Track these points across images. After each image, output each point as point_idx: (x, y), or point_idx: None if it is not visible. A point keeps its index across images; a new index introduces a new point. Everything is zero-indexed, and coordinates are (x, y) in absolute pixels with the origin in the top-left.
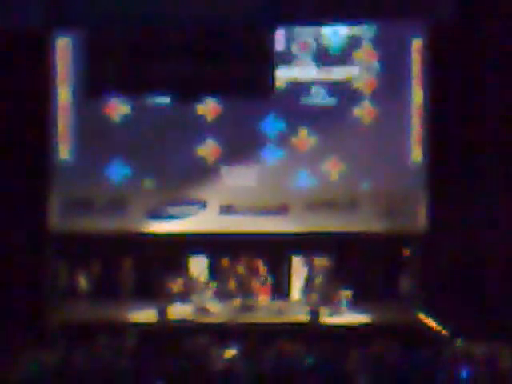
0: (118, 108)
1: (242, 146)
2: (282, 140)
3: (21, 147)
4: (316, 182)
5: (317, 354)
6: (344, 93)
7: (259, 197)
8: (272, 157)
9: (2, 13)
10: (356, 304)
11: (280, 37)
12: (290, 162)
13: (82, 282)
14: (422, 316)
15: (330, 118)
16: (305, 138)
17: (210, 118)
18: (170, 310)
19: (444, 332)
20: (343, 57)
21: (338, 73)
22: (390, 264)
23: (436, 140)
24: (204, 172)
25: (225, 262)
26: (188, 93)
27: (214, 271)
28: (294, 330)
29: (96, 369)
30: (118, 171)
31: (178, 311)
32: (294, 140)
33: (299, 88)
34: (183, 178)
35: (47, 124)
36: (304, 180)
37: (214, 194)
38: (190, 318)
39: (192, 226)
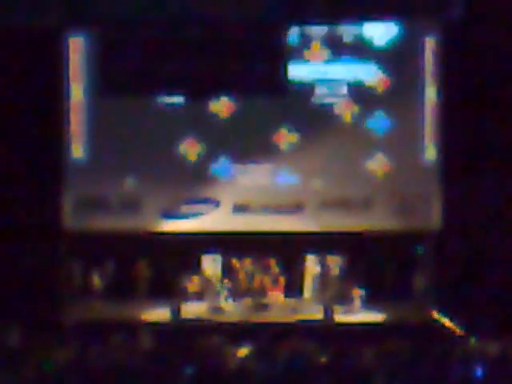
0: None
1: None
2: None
3: (34, 146)
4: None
5: (330, 352)
6: (358, 91)
7: (273, 196)
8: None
9: (17, 11)
10: (370, 302)
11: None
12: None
13: (96, 281)
14: (435, 314)
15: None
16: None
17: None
18: (184, 308)
19: (458, 330)
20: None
21: (350, 72)
22: (404, 262)
23: (450, 139)
24: (218, 171)
25: (238, 260)
26: (201, 91)
27: (228, 270)
28: (307, 328)
29: (110, 367)
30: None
31: (192, 310)
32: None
33: (311, 87)
34: (195, 177)
35: (60, 122)
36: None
37: (228, 192)
38: (204, 317)
39: (206, 225)
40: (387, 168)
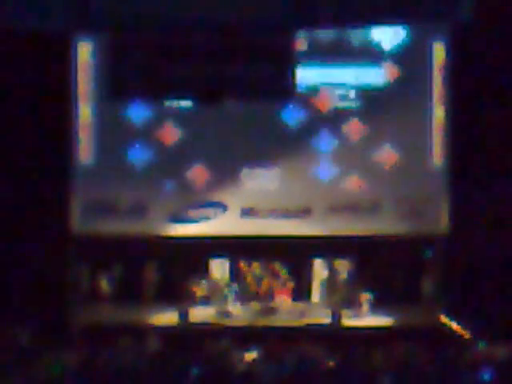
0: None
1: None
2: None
3: (42, 150)
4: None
5: (338, 356)
6: (365, 96)
7: (281, 200)
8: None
9: (25, 14)
10: (378, 306)
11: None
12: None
13: (104, 285)
14: (444, 318)
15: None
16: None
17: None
18: (192, 312)
19: (466, 334)
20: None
21: (359, 76)
22: (412, 266)
23: (458, 142)
24: (224, 175)
25: (246, 264)
26: (210, 95)
27: (236, 274)
28: (315, 332)
29: (118, 371)
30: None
31: (200, 314)
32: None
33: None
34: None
35: (69, 127)
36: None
37: (236, 196)
38: (212, 321)
39: (214, 229)
40: (396, 164)
